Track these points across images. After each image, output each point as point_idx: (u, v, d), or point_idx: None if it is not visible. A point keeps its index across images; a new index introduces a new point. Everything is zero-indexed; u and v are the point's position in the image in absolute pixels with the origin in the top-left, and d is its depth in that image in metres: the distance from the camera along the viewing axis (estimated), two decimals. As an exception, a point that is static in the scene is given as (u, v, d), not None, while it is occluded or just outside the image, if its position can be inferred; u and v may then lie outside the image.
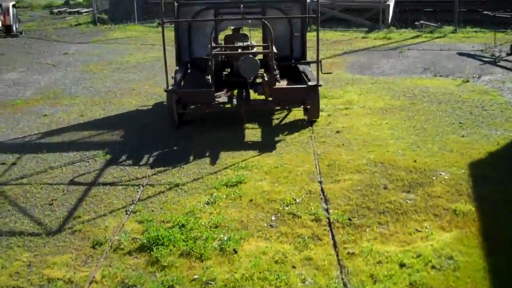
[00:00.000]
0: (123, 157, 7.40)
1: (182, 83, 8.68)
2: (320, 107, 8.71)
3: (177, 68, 9.58)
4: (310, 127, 8.37)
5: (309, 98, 8.12)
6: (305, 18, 9.74)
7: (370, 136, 7.85)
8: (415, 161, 6.83)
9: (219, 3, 10.04)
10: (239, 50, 8.44)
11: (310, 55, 10.52)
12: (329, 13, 19.26)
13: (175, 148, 7.73)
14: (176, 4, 9.71)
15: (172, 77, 8.97)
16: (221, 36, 10.13)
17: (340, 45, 15.57)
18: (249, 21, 9.76)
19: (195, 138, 8.04)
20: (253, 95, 8.87)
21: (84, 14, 25.01)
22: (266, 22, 8.24)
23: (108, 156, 7.41)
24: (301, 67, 9.44)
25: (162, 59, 8.30)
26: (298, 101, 8.26)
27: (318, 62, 9.03)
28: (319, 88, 8.25)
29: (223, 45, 9.37)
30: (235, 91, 9.04)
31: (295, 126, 8.45)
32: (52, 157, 7.44)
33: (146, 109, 9.78)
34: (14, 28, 19.01)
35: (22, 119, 9.31)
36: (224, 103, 8.21)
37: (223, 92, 8.70)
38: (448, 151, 7.17)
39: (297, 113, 8.95)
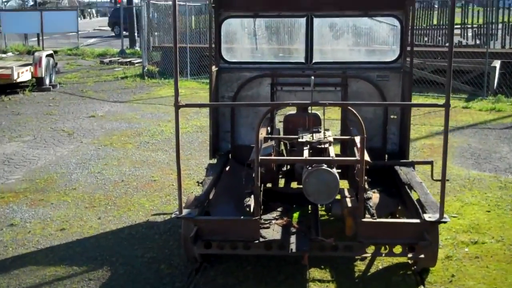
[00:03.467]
0: None
1: (210, 197, 5.35)
2: None
3: (210, 163, 6.31)
4: (422, 286, 4.86)
5: (422, 242, 4.60)
6: (409, 94, 6.33)
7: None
8: None
9: (279, 67, 6.81)
10: (305, 152, 5.08)
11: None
12: (417, 73, 15.73)
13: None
14: (214, 69, 6.53)
15: (199, 182, 5.67)
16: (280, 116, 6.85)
17: (436, 118, 11.96)
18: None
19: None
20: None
21: (136, 65, 22.44)
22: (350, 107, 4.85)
23: None
24: (402, 172, 5.97)
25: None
26: (402, 245, 4.73)
27: (431, 163, 5.62)
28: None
29: (277, 135, 6.04)
30: (295, 215, 5.64)
31: (396, 284, 4.95)
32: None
33: (161, 221, 6.49)
34: (47, 81, 16.41)
35: (-26, 232, 6.21)
36: (273, 242, 4.77)
37: (274, 216, 5.31)
38: None
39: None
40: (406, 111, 6.50)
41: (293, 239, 4.83)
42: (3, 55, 23.65)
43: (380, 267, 5.27)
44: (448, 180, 7.06)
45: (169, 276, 5.17)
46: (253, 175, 4.70)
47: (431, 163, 6.36)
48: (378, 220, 4.73)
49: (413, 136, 10.32)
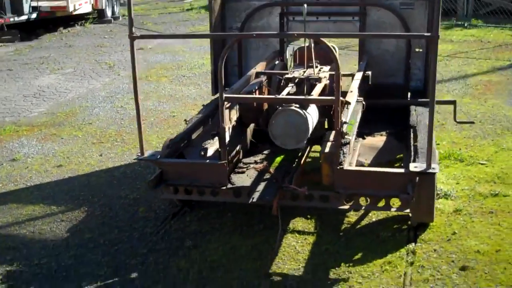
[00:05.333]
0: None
1: (186, 141, 4.84)
2: (447, 181, 4.64)
3: (208, 104, 5.81)
4: (413, 244, 4.24)
5: (403, 196, 3.95)
6: (436, 24, 5.48)
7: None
8: None
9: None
10: (286, 90, 4.48)
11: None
12: (496, 3, 14.23)
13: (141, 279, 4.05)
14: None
15: (186, 120, 5.22)
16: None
17: (507, 52, 10.74)
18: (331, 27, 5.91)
19: (188, 250, 4.30)
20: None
21: (206, -5, 21.95)
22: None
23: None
24: (416, 112, 5.24)
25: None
26: (385, 198, 4.10)
27: (431, 104, 4.83)
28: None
29: (269, 71, 5.42)
30: (278, 159, 5.08)
31: (383, 240, 4.36)
32: None
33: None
34: (109, 13, 16.33)
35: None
36: (242, 189, 4.28)
37: (255, 160, 4.80)
38: None
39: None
40: (433, 45, 5.66)
41: (262, 186, 4.31)
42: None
43: (374, 219, 4.68)
44: (473, 122, 6.29)
45: (142, 220, 4.85)
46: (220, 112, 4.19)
47: (453, 102, 5.59)
48: (356, 168, 4.12)
49: (471, 71, 9.38)
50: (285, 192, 4.18)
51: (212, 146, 4.22)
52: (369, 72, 5.64)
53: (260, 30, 6.13)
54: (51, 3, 14.58)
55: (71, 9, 14.41)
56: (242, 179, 4.44)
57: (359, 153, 4.88)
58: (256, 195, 4.13)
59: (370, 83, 5.50)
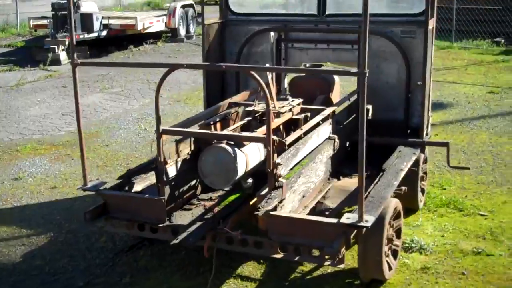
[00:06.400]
0: None
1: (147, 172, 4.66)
2: (431, 233, 4.56)
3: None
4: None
5: (328, 249, 3.56)
6: (427, 55, 5.04)
7: None
8: None
9: (288, 20, 5.90)
10: (236, 124, 4.25)
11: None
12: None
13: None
14: (210, 22, 5.80)
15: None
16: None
17: None
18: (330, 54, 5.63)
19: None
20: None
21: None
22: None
23: None
24: (399, 154, 4.82)
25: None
26: (319, 249, 3.72)
27: (361, 149, 4.43)
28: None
29: (240, 101, 5.16)
30: (233, 197, 4.79)
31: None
32: None
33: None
34: (183, 32, 16.63)
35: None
36: (180, 227, 4.05)
37: (211, 197, 4.58)
38: None
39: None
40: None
41: (196, 226, 4.06)
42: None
43: (329, 270, 4.30)
44: (468, 168, 5.72)
45: (98, 250, 4.77)
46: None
47: (446, 144, 5.08)
48: (288, 215, 3.78)
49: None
50: (219, 235, 3.93)
51: (144, 181, 4.07)
52: (369, 106, 5.31)
53: (260, 56, 5.96)
54: (121, 21, 15.06)
55: (139, 27, 14.79)
56: (186, 217, 4.23)
57: (328, 196, 4.54)
58: (181, 236, 3.90)
59: (370, 117, 5.19)
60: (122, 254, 4.68)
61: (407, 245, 4.57)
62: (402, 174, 4.43)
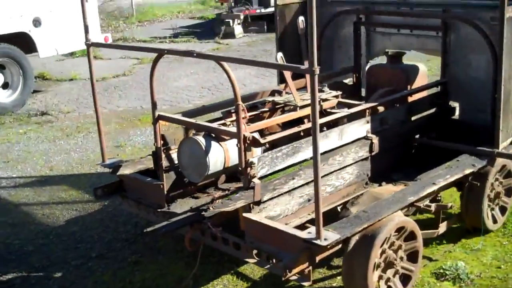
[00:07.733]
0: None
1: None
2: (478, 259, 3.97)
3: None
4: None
5: (287, 261, 3.12)
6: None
7: None
8: None
9: (371, 0, 5.32)
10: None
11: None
12: None
13: None
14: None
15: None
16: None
17: None
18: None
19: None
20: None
21: None
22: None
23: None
24: (451, 163, 4.09)
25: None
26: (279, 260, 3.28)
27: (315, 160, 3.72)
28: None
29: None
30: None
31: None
32: None
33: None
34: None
35: None
36: (173, 214, 3.87)
37: (230, 187, 4.34)
38: None
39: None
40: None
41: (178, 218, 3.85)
42: None
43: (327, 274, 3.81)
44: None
45: (131, 225, 4.84)
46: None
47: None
48: (260, 220, 3.41)
49: None
50: (202, 229, 3.71)
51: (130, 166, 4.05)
52: (456, 104, 4.66)
53: (343, 39, 5.48)
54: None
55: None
56: (187, 205, 4.07)
57: (357, 202, 4.03)
58: (159, 225, 3.74)
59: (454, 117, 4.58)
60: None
61: (441, 271, 3.86)
62: (431, 189, 3.73)
